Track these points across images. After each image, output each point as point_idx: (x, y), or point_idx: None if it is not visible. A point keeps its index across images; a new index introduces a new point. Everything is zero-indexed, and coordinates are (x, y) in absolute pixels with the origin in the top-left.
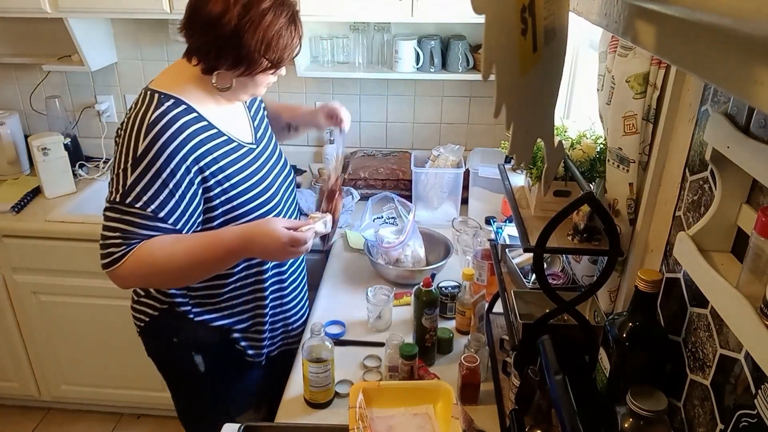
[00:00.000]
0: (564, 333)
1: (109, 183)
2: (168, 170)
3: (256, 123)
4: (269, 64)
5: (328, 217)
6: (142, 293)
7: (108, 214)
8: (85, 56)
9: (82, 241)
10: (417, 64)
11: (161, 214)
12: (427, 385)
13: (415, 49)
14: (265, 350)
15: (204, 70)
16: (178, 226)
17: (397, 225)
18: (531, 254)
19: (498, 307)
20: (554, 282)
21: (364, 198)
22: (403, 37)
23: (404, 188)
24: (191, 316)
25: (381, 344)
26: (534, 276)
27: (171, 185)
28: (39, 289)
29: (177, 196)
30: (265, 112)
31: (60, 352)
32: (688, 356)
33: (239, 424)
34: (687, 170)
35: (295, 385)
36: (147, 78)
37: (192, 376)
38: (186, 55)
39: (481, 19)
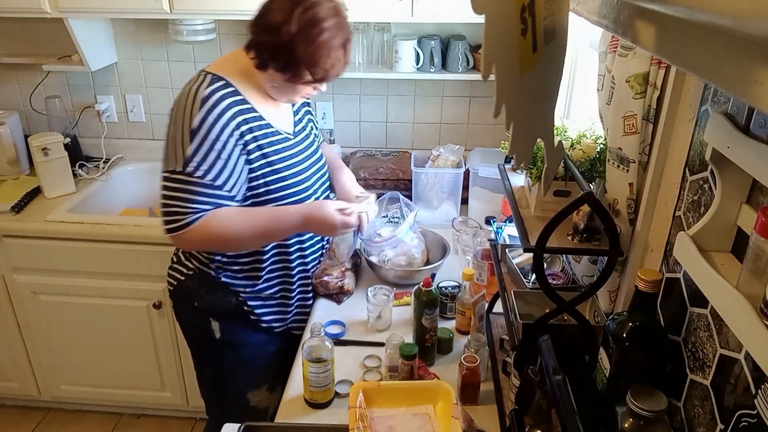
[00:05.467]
0: (564, 333)
1: (165, 154)
2: (220, 141)
3: (297, 118)
4: (312, 79)
5: (372, 196)
6: (175, 259)
7: (168, 183)
8: (85, 56)
9: (82, 241)
10: (417, 64)
11: (218, 182)
12: (427, 385)
13: (415, 49)
14: (282, 322)
15: (257, 65)
16: (233, 193)
17: (399, 225)
18: (531, 254)
19: (498, 307)
20: (554, 282)
21: None
22: (403, 37)
23: (404, 188)
24: (215, 276)
25: (381, 344)
26: (534, 276)
27: (224, 155)
28: (39, 289)
29: (230, 165)
30: (310, 115)
31: (60, 352)
32: (688, 356)
33: (239, 424)
34: (687, 170)
35: (295, 385)
36: (147, 78)
37: (209, 342)
38: (246, 47)
39: (481, 19)
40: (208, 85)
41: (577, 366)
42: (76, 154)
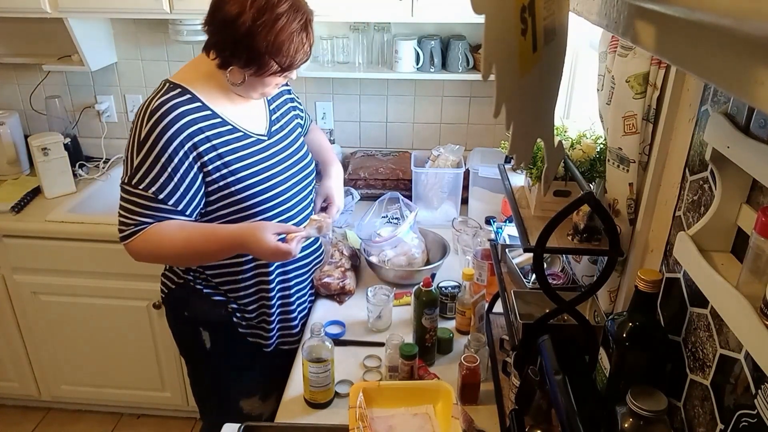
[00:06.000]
0: (564, 333)
1: (123, 163)
2: (166, 154)
3: (274, 117)
4: (278, 68)
5: (327, 221)
6: (167, 267)
7: (121, 193)
8: (85, 56)
9: (82, 241)
10: (417, 64)
11: (161, 196)
12: (427, 385)
13: (415, 49)
14: (268, 341)
15: (219, 65)
16: (180, 207)
17: (399, 225)
18: (531, 254)
19: (498, 307)
20: (554, 282)
21: (367, 198)
22: (403, 37)
23: (404, 188)
24: (200, 287)
25: (381, 344)
26: (534, 276)
27: (169, 169)
28: (39, 289)
29: (176, 179)
30: (292, 102)
31: (60, 352)
32: (688, 356)
33: (239, 424)
34: (687, 170)
35: (295, 385)
36: (147, 78)
37: (199, 351)
38: (205, 48)
39: (481, 19)
40: (162, 95)
41: (577, 366)
42: (76, 154)
